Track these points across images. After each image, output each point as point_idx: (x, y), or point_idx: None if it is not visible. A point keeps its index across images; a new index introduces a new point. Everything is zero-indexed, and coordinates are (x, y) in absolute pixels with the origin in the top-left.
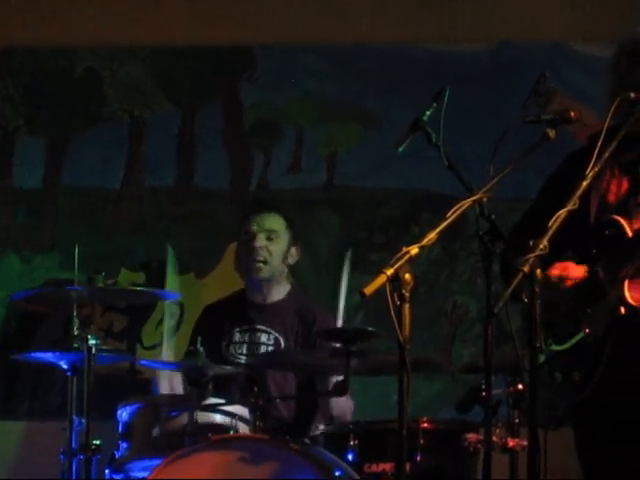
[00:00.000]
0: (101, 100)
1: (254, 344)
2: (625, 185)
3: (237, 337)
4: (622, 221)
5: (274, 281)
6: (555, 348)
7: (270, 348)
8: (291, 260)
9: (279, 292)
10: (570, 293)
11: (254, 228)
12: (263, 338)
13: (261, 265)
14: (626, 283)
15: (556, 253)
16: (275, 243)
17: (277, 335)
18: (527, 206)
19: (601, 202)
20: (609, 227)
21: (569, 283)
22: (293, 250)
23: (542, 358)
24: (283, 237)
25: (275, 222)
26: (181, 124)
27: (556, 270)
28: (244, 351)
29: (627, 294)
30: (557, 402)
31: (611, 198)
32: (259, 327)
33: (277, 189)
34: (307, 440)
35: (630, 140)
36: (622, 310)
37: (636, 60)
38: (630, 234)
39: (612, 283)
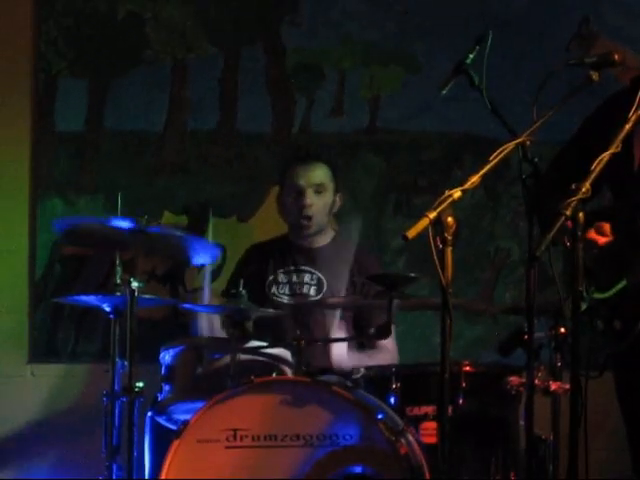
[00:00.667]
0: (143, 43)
1: (297, 284)
2: None
3: (281, 277)
4: None
5: (320, 233)
6: (597, 295)
7: (313, 287)
8: (335, 209)
9: (324, 239)
10: (613, 242)
11: (302, 182)
12: (306, 278)
13: (308, 222)
14: None
15: (593, 195)
16: (322, 197)
17: (320, 275)
18: (562, 146)
19: None
20: None
21: (596, 252)
22: (337, 199)
23: (584, 305)
24: (329, 189)
25: (322, 174)
26: (223, 67)
27: (592, 234)
28: (287, 291)
29: None
30: (598, 350)
31: None
32: (303, 268)
33: (319, 132)
34: (349, 383)
35: None
36: None
37: None
38: None
39: None
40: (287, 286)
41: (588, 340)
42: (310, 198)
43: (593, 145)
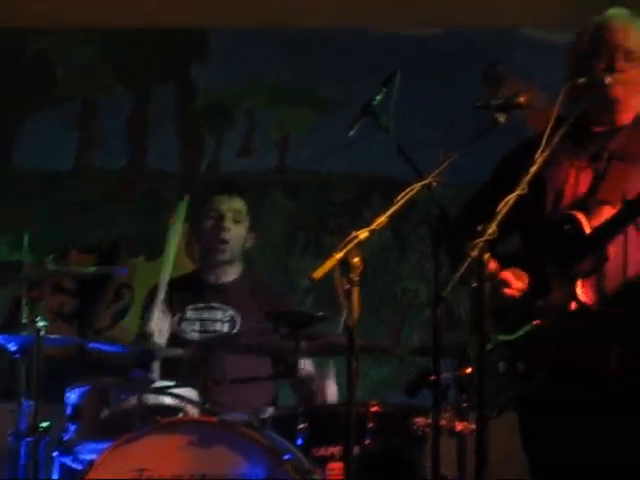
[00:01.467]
0: (53, 82)
1: (208, 320)
2: (585, 180)
3: (190, 314)
4: (581, 217)
5: (230, 263)
6: (503, 337)
7: (225, 325)
8: (247, 245)
9: (233, 273)
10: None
11: (223, 207)
12: (218, 315)
13: (225, 246)
14: (579, 281)
15: (501, 238)
16: (239, 226)
17: (233, 313)
18: (476, 189)
19: (558, 195)
20: (567, 222)
21: (510, 292)
22: (250, 236)
23: (489, 346)
24: (245, 221)
25: (242, 206)
26: (133, 107)
27: (508, 274)
28: (197, 327)
29: (579, 291)
30: (499, 391)
31: (569, 192)
32: (214, 305)
33: (228, 172)
34: (257, 423)
35: (592, 133)
36: (572, 305)
37: (593, 49)
38: (588, 231)
39: (564, 279)
40: (197, 323)
41: (491, 380)
42: (229, 223)
43: (506, 188)
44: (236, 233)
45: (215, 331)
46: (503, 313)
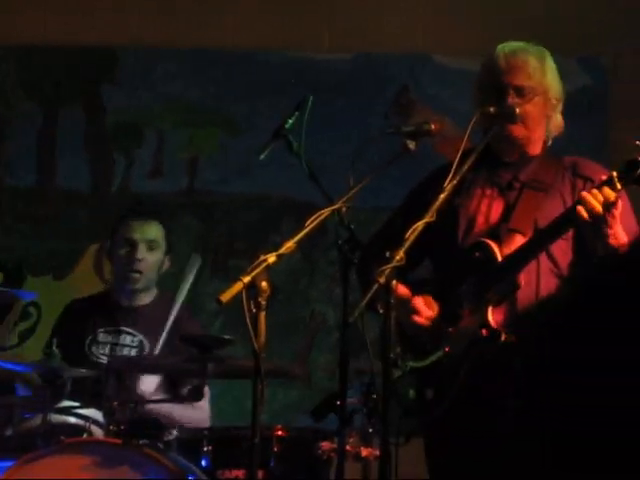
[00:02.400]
0: None
1: (118, 345)
2: (497, 209)
3: (101, 337)
4: (492, 245)
5: (144, 290)
6: (412, 364)
7: (134, 350)
8: (163, 268)
9: (147, 297)
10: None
11: (136, 237)
12: (127, 340)
13: (138, 276)
14: (490, 308)
15: (414, 264)
16: (154, 253)
17: (142, 337)
18: (388, 216)
19: (470, 223)
20: (478, 249)
21: (419, 320)
22: (166, 260)
23: (398, 372)
24: (161, 247)
25: (156, 231)
26: (42, 125)
27: (419, 301)
28: (107, 351)
29: (490, 318)
30: (407, 418)
31: (480, 220)
32: (124, 329)
33: (138, 192)
34: (161, 445)
35: (504, 163)
36: (483, 332)
37: (492, 80)
38: (499, 259)
39: (475, 306)
40: (107, 347)
41: (399, 407)
42: (142, 253)
43: (417, 215)
44: (150, 261)
45: (122, 356)
46: (413, 340)
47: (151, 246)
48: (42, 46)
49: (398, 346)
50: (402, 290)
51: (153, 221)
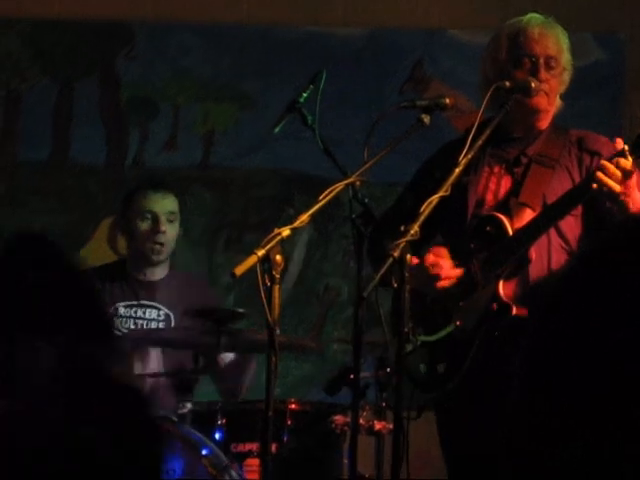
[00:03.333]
0: None
1: (143, 319)
2: (505, 185)
3: (122, 311)
4: (504, 219)
5: (165, 261)
6: (423, 338)
7: (161, 323)
8: (177, 241)
9: (162, 271)
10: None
11: (157, 209)
12: (153, 314)
13: (161, 248)
14: (501, 282)
15: (426, 239)
16: (173, 226)
17: (167, 311)
18: (399, 192)
19: (479, 198)
20: (489, 223)
21: (443, 284)
22: (180, 232)
23: (410, 347)
24: (178, 219)
25: (174, 204)
26: (57, 98)
27: (431, 256)
28: (131, 326)
29: (501, 292)
30: (421, 392)
31: (489, 197)
32: (145, 303)
33: (153, 166)
34: (175, 417)
35: (511, 138)
36: (494, 306)
37: (513, 57)
38: (510, 233)
39: (486, 280)
40: (131, 320)
41: (411, 381)
42: (164, 225)
43: (429, 190)
44: (171, 233)
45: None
46: (425, 314)
47: (170, 218)
48: (57, 20)
49: (410, 320)
50: (415, 260)
51: (169, 193)
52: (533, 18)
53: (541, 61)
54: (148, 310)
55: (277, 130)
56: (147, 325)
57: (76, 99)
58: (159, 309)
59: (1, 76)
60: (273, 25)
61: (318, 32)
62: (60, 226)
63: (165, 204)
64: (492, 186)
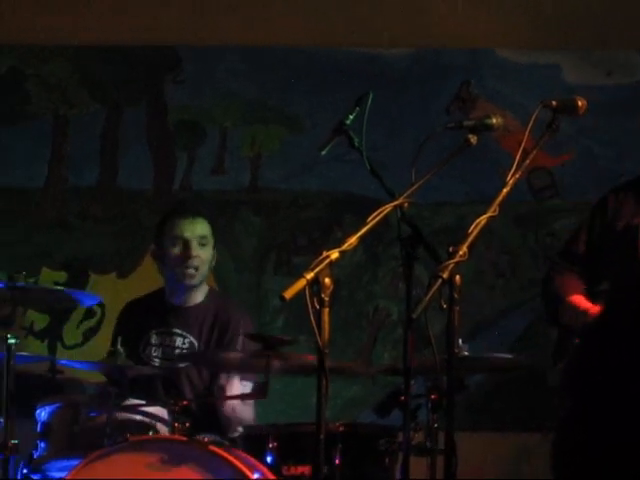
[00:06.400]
0: (25, 99)
1: (170, 347)
2: None
3: (154, 339)
4: None
5: (199, 286)
6: None
7: (184, 352)
8: (213, 263)
9: (200, 295)
10: None
11: (187, 235)
12: (178, 342)
13: (194, 272)
14: None
15: (596, 280)
16: (206, 250)
17: (192, 339)
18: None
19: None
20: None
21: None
22: (215, 253)
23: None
24: (210, 243)
25: (205, 228)
26: (105, 124)
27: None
28: (159, 354)
29: None
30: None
31: None
32: (175, 330)
33: (200, 190)
34: (226, 442)
35: None
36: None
37: None
38: None
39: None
40: (160, 349)
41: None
42: (195, 250)
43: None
44: (204, 257)
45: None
46: None
47: (202, 242)
48: (104, 46)
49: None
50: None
51: (199, 217)
52: None
53: None
54: (174, 338)
55: (324, 152)
56: (172, 353)
57: (124, 124)
58: (184, 337)
59: (50, 102)
60: (319, 48)
61: (364, 54)
62: (110, 251)
63: (195, 229)
64: None
